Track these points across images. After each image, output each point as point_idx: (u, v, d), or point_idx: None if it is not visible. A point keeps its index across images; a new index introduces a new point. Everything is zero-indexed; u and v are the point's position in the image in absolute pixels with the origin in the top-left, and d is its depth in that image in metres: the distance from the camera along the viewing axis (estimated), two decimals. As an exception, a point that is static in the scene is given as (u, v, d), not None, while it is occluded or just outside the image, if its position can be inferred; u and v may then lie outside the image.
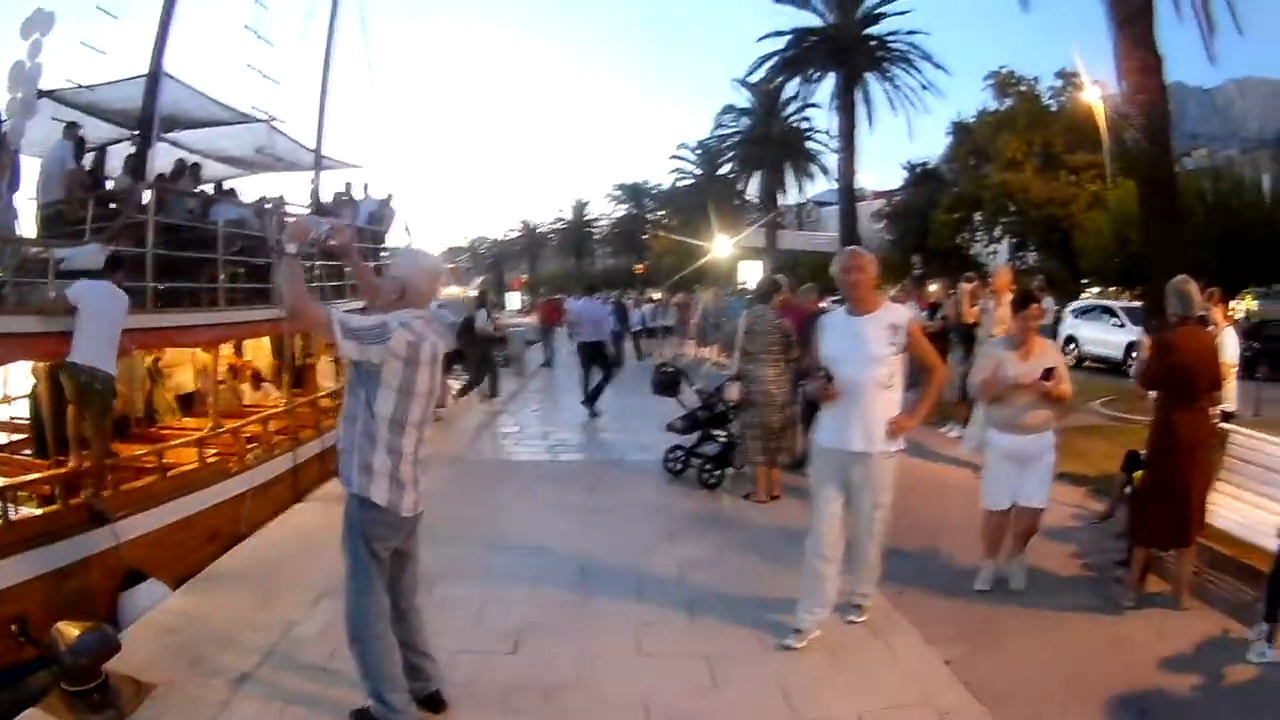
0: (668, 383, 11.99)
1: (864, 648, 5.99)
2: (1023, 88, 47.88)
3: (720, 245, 40.53)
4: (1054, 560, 7.86)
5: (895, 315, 6.06)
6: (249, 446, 11.23)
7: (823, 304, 12.19)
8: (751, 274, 47.49)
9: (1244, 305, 28.71)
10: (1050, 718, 5.22)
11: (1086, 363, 24.87)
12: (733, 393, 10.13)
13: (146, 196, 11.37)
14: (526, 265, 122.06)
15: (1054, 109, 46.00)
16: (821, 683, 5.48)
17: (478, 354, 18.84)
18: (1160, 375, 6.80)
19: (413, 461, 4.62)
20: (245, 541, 8.42)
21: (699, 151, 72.20)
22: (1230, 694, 5.54)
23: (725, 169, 62.78)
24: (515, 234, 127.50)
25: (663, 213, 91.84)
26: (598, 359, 17.11)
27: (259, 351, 14.97)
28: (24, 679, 6.39)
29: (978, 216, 50.03)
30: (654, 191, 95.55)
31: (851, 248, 6.52)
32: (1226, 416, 9.01)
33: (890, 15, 45.51)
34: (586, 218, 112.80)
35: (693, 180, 74.40)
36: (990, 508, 7.29)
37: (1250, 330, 23.85)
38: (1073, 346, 25.89)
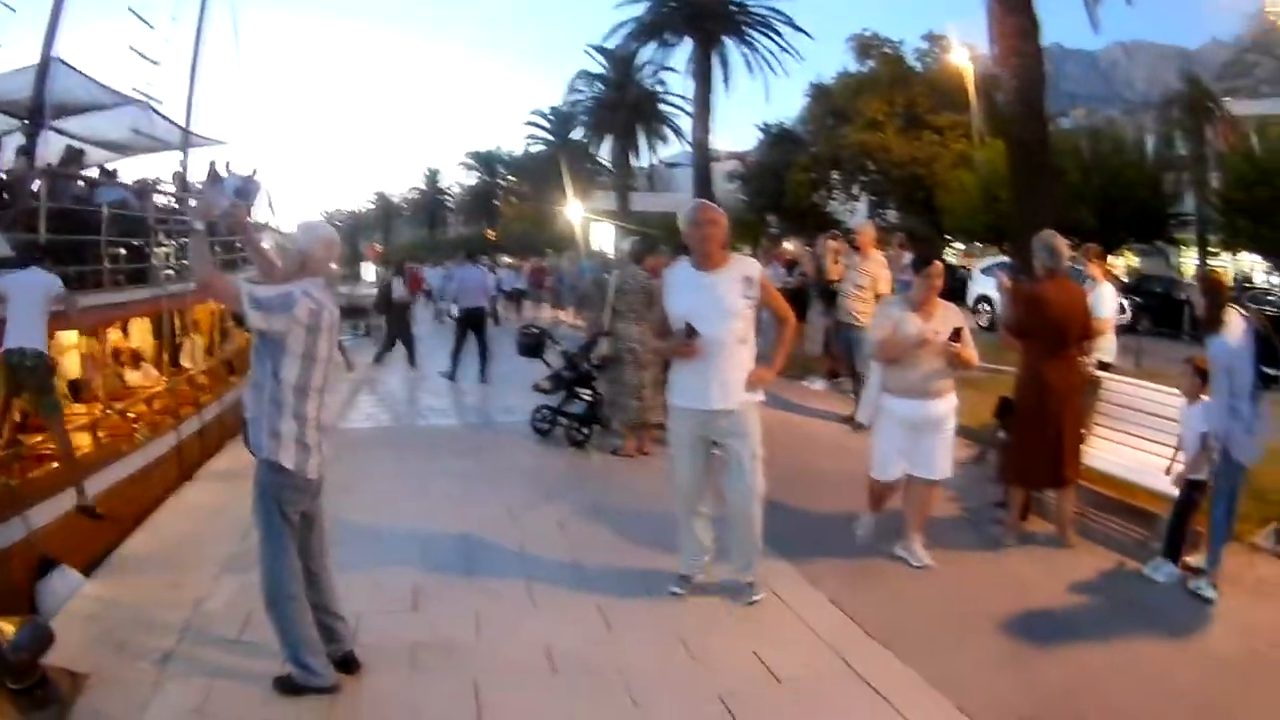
0: (533, 345, 12.18)
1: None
2: (886, 49, 48.98)
3: (573, 210, 40.87)
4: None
5: (748, 268, 5.95)
6: (135, 427, 11.14)
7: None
8: (603, 237, 47.75)
9: (1123, 262, 30.11)
10: (946, 647, 5.44)
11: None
12: (604, 349, 10.39)
13: (37, 184, 11.61)
14: (381, 235, 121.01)
15: (919, 70, 47.19)
16: (713, 625, 5.68)
17: (395, 321, 19.12)
18: (1031, 326, 6.99)
19: (315, 426, 4.80)
20: (146, 522, 8.31)
21: (552, 118, 72.16)
22: (1130, 615, 5.92)
23: (578, 135, 62.57)
24: (370, 205, 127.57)
25: (514, 180, 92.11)
26: (476, 326, 17.07)
27: (137, 332, 14.69)
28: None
29: (835, 175, 50.78)
30: (507, 159, 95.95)
31: (700, 200, 6.35)
32: (1103, 367, 9.06)
33: None
34: (440, 186, 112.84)
35: (545, 147, 74.33)
36: (879, 477, 6.99)
37: (1132, 287, 25.35)
38: (985, 307, 25.98)
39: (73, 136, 15.08)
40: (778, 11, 45.18)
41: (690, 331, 5.65)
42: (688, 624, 5.69)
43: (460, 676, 5.01)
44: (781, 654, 5.30)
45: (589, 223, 50.74)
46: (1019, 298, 7.36)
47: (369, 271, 64.88)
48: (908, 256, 12.64)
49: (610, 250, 34.34)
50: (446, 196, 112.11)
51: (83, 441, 9.97)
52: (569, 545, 7.27)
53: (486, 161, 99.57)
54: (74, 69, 13.77)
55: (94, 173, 14.99)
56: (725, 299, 5.76)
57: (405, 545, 7.21)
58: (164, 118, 17.73)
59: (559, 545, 7.28)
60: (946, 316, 6.70)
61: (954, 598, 6.24)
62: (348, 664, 5.04)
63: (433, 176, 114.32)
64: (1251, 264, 43.22)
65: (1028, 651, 5.49)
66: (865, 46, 49.93)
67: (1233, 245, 39.42)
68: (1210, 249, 42.01)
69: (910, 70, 47.78)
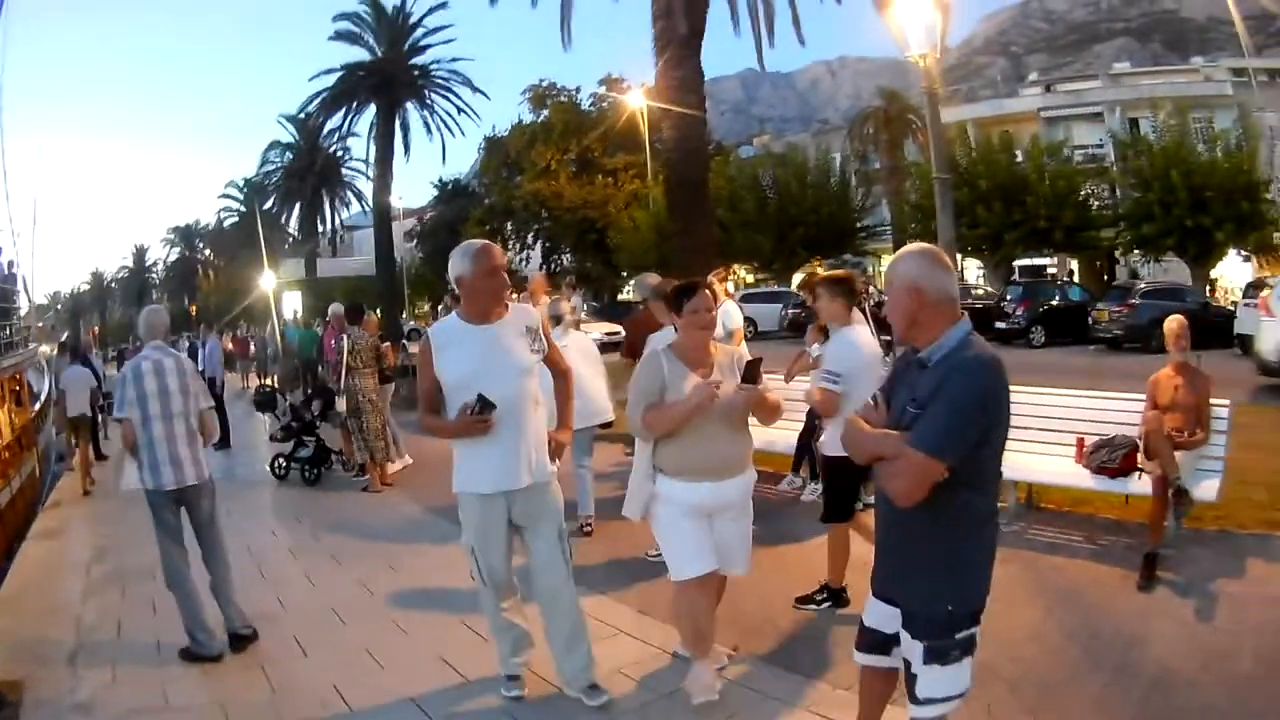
0: (267, 401, 13.78)
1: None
2: (562, 98, 50.46)
3: (266, 279, 41.65)
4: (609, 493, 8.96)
5: (527, 316, 5.10)
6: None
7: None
8: (291, 304, 48.40)
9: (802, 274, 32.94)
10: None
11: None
12: (342, 404, 11.68)
13: None
14: (97, 316, 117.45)
15: (593, 115, 48.77)
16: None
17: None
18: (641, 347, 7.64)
19: (167, 447, 6.34)
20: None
21: (245, 189, 71.86)
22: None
23: (269, 204, 62.20)
24: (86, 286, 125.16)
25: (211, 253, 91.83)
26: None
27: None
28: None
29: (509, 225, 52.71)
30: (204, 231, 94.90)
31: (482, 241, 5.15)
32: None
33: (435, 45, 46.91)
34: (147, 263, 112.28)
35: (238, 218, 73.99)
36: (681, 577, 4.99)
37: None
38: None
39: None
40: (456, 73, 46.82)
41: (483, 403, 4.65)
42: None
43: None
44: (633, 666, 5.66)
45: (281, 290, 50.93)
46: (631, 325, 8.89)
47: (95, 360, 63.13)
48: (577, 298, 13.90)
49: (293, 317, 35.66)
50: (152, 273, 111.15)
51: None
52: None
53: (186, 236, 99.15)
54: None
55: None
56: (513, 354, 4.91)
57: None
58: None
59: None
60: (727, 360, 5.08)
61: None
62: (239, 640, 6.29)
63: (140, 254, 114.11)
64: (965, 265, 45.70)
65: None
66: (540, 97, 51.43)
67: None
68: None
69: (585, 115, 49.46)
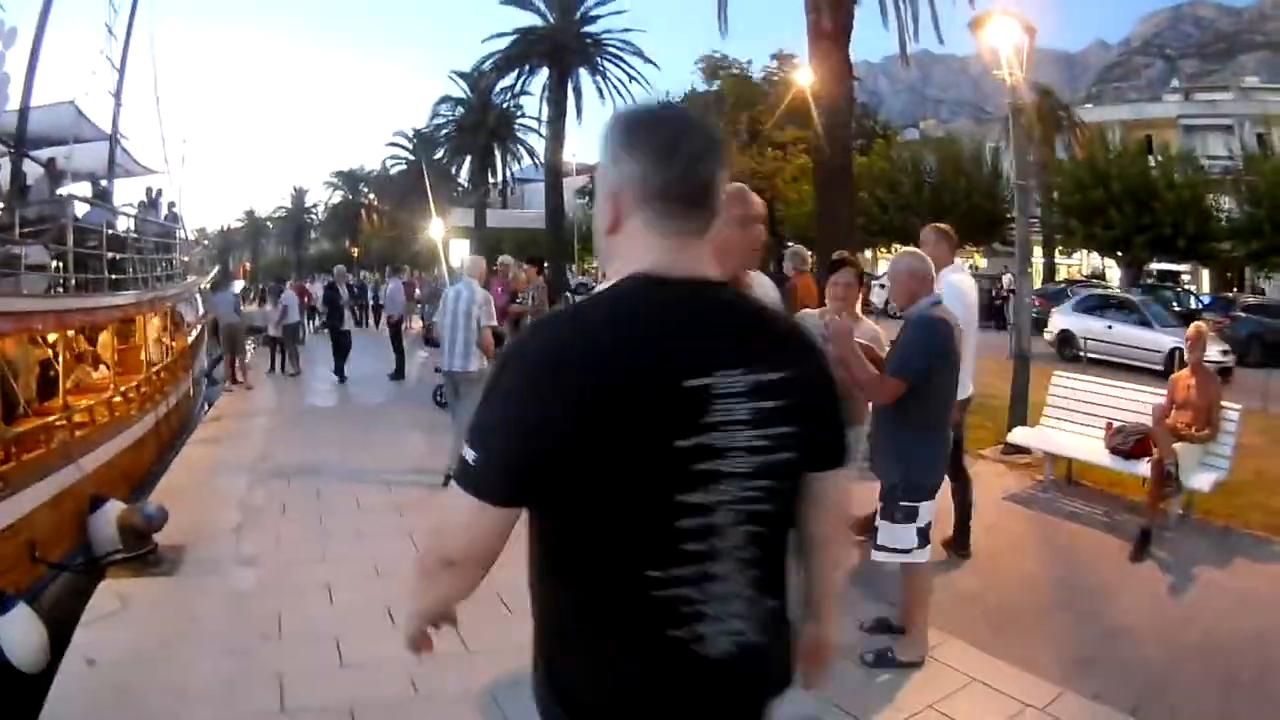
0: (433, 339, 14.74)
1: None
2: (734, 70, 50.68)
3: (435, 227, 43.29)
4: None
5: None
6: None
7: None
8: (459, 252, 50.15)
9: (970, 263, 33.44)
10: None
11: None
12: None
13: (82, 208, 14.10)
14: (249, 253, 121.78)
15: (765, 89, 48.77)
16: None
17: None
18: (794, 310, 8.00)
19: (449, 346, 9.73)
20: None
21: (414, 140, 73.50)
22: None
23: (440, 155, 63.68)
24: (240, 223, 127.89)
25: (373, 198, 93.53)
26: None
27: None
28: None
29: None
30: (369, 177, 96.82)
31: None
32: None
33: (606, 15, 48.79)
34: (306, 205, 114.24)
35: (405, 166, 75.35)
36: None
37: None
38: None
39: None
40: (628, 43, 48.40)
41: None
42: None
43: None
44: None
45: (449, 238, 52.65)
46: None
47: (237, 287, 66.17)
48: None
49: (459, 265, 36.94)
50: (311, 214, 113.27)
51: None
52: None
53: (350, 180, 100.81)
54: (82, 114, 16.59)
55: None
56: None
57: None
58: (125, 151, 19.83)
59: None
60: (869, 331, 5.79)
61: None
62: (446, 480, 7.63)
63: (299, 195, 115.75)
64: (1106, 264, 46.30)
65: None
66: (713, 67, 51.61)
67: (1068, 246, 42.71)
68: (1061, 250, 45.29)
69: (756, 88, 49.72)
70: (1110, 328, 22.58)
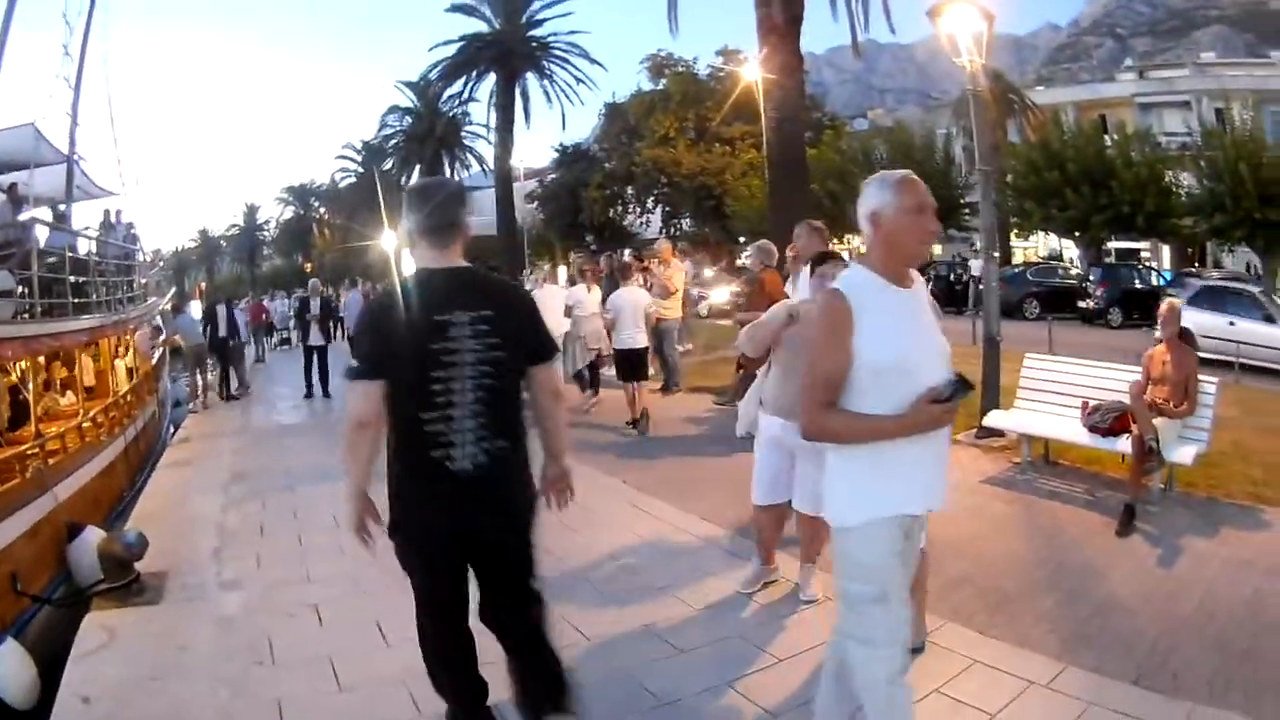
0: None
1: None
2: (680, 68, 51.23)
3: (386, 238, 43.16)
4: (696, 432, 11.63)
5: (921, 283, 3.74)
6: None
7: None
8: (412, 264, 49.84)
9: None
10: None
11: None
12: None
13: (44, 233, 13.61)
14: (205, 273, 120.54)
15: (711, 86, 49.32)
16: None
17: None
18: (762, 305, 8.10)
19: None
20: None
21: (363, 151, 73.45)
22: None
23: (389, 165, 63.64)
24: (194, 243, 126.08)
25: (324, 212, 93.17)
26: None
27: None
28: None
29: (629, 190, 53.57)
30: (320, 192, 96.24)
31: (905, 171, 3.58)
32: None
33: (552, 19, 49.30)
34: (258, 222, 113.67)
35: (354, 178, 75.50)
36: (753, 501, 6.18)
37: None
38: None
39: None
40: (574, 45, 49.09)
41: (959, 385, 3.41)
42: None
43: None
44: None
45: (401, 249, 51.61)
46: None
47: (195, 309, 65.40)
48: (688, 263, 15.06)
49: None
50: (264, 231, 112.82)
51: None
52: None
53: (301, 195, 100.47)
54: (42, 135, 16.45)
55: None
56: (937, 335, 3.68)
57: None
58: (83, 173, 19.78)
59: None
60: None
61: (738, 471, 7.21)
62: None
63: (251, 212, 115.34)
64: (1064, 245, 46.66)
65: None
66: (659, 66, 52.24)
67: (1025, 229, 43.10)
68: (1016, 233, 45.36)
69: (702, 85, 50.09)
70: (1233, 324, 19.92)
